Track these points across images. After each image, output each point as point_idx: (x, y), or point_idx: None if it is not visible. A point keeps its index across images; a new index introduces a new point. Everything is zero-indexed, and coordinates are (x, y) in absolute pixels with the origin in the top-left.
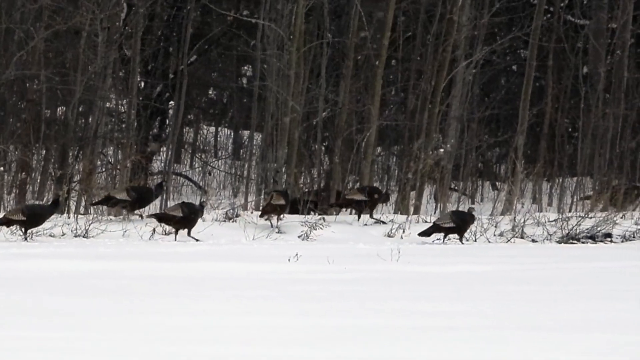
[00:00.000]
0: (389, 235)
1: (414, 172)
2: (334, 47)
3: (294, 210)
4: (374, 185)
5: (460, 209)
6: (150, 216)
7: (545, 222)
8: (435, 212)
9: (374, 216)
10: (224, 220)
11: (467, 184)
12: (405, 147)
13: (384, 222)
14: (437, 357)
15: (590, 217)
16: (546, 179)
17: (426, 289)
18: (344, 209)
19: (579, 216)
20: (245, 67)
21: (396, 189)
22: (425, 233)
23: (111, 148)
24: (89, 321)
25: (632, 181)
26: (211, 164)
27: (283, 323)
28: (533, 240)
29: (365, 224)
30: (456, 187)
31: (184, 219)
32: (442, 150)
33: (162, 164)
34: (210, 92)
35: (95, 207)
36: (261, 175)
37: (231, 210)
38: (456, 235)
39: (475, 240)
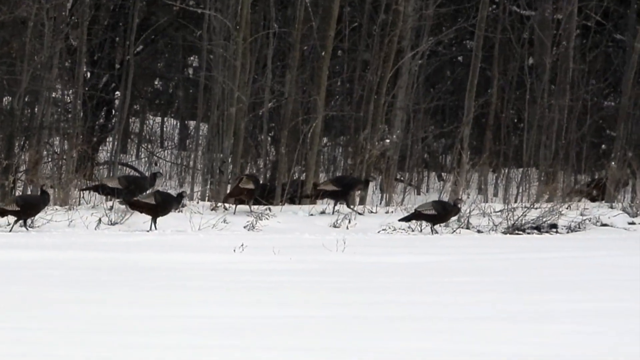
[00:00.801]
0: (334, 226)
1: (359, 162)
2: (280, 38)
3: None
4: (350, 175)
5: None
6: (122, 202)
7: (491, 212)
8: (380, 203)
9: (350, 206)
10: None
11: (413, 175)
12: (351, 137)
13: (360, 213)
14: (384, 346)
15: (536, 208)
16: (492, 169)
17: (372, 280)
18: (319, 200)
19: (525, 207)
20: (192, 58)
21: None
22: (406, 219)
23: (57, 138)
24: (38, 311)
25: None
26: (157, 154)
27: (229, 313)
28: (479, 231)
29: (311, 214)
30: (402, 178)
31: (156, 206)
32: (388, 140)
33: (109, 154)
34: (156, 83)
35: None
36: (207, 166)
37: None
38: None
39: (421, 231)
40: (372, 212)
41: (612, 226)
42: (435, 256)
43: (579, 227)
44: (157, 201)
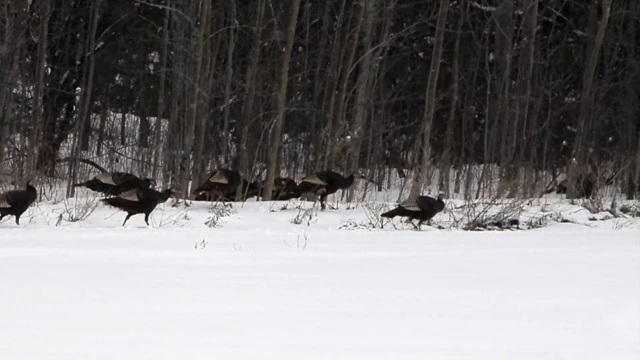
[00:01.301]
0: (295, 222)
1: (320, 159)
2: (241, 34)
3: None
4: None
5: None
6: (103, 200)
7: (452, 209)
8: (341, 199)
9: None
10: None
11: (374, 171)
12: (312, 133)
13: (334, 208)
14: (347, 342)
15: (497, 204)
16: (453, 165)
17: (334, 276)
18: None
19: (486, 203)
20: (153, 54)
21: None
22: (389, 214)
23: (18, 134)
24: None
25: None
26: (118, 151)
27: (190, 309)
28: (440, 227)
29: (272, 211)
30: (363, 174)
31: (139, 203)
32: (349, 137)
33: (69, 151)
34: (117, 79)
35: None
36: (168, 162)
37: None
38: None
39: (382, 227)
40: (333, 208)
41: (573, 222)
42: (396, 252)
43: (540, 223)
44: (140, 198)
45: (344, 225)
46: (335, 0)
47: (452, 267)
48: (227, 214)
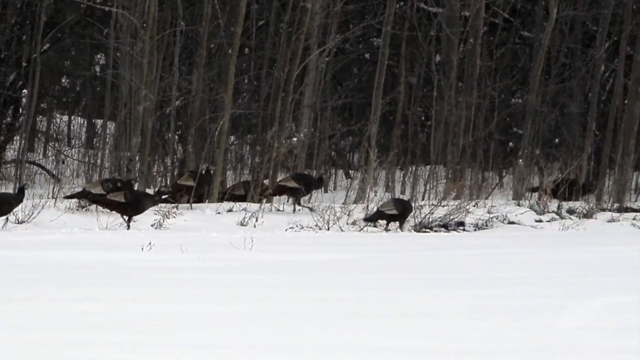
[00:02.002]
0: (242, 224)
1: (267, 160)
2: (187, 36)
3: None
4: (305, 172)
5: (314, 196)
6: (91, 201)
7: (385, 210)
8: (288, 201)
9: (302, 203)
10: (77, 209)
11: (321, 173)
12: (259, 135)
13: (312, 209)
14: (293, 342)
15: (443, 206)
16: (399, 167)
17: (280, 277)
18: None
19: (432, 204)
20: (99, 56)
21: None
22: (371, 219)
23: None
24: None
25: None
26: (64, 153)
27: (136, 310)
28: (386, 229)
29: (219, 213)
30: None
31: (126, 204)
32: (295, 138)
33: (16, 153)
34: (63, 81)
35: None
36: (115, 164)
37: (67, 201)
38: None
39: (329, 229)
40: (279, 210)
41: (519, 224)
42: (343, 254)
43: (486, 225)
44: (127, 199)
45: (290, 227)
46: (282, 2)
47: (397, 268)
48: (174, 216)
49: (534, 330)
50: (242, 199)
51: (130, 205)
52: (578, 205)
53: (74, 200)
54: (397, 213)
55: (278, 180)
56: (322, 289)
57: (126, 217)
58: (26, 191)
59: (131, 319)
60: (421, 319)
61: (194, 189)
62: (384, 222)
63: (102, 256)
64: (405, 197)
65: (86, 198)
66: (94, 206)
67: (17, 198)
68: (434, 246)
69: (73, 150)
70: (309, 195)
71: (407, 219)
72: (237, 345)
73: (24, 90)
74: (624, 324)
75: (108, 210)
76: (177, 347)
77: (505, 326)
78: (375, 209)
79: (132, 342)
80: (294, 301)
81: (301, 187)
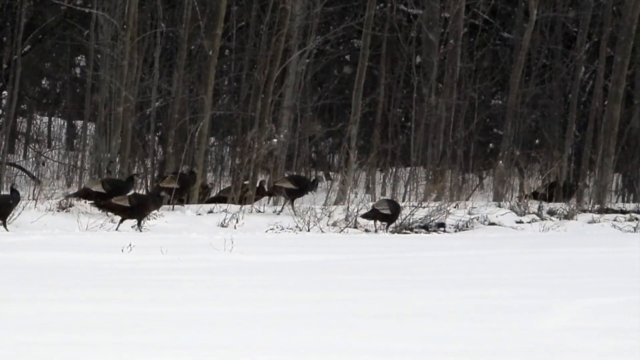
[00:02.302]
0: (222, 225)
1: (247, 162)
2: (168, 37)
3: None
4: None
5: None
6: (94, 205)
7: (380, 209)
8: (268, 202)
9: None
10: (58, 210)
11: (301, 174)
12: (239, 137)
13: (260, 212)
14: (272, 343)
15: (424, 207)
16: (379, 168)
17: (261, 278)
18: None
19: (413, 206)
20: (79, 57)
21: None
22: (367, 216)
23: None
24: None
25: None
26: (45, 154)
27: (117, 311)
28: (366, 230)
29: (199, 214)
30: (321, 178)
31: (130, 209)
32: (275, 140)
33: None
34: (43, 82)
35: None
36: (95, 166)
37: (65, 200)
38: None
39: (309, 230)
40: (259, 211)
41: (500, 225)
42: (323, 255)
43: (467, 226)
44: (132, 204)
45: (271, 229)
46: (262, 4)
47: (378, 269)
48: (154, 218)
49: (518, 331)
50: (174, 192)
51: (135, 209)
52: (559, 206)
53: (54, 201)
54: (389, 213)
55: (275, 180)
56: (313, 290)
57: (132, 221)
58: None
59: (108, 319)
60: (404, 320)
61: (179, 191)
62: (377, 221)
63: (82, 257)
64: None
65: (87, 198)
66: (74, 207)
67: (15, 198)
68: (414, 247)
69: (53, 151)
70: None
71: (394, 221)
72: (235, 345)
73: (4, 92)
74: (608, 325)
75: (94, 212)
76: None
77: (488, 327)
78: (371, 207)
79: (111, 342)
80: (289, 302)
81: (297, 189)
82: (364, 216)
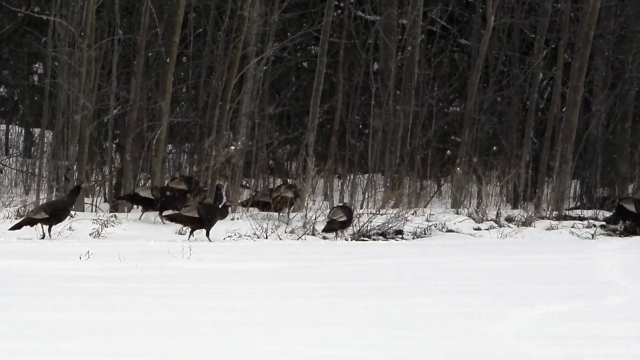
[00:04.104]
0: (180, 233)
1: (205, 169)
2: (125, 44)
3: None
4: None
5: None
6: (164, 216)
7: (337, 219)
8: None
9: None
10: (16, 218)
11: (259, 181)
12: (197, 144)
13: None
14: (223, 351)
15: (382, 214)
16: (337, 175)
17: (216, 286)
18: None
19: (370, 213)
20: (37, 65)
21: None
22: (329, 229)
23: None
24: None
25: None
26: (2, 162)
27: (74, 318)
28: (324, 237)
29: (156, 221)
30: (247, 184)
31: (199, 220)
32: (233, 147)
33: None
34: (1, 90)
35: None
36: (52, 173)
37: (23, 208)
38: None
39: (267, 238)
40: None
41: (458, 232)
42: (281, 262)
43: (425, 233)
44: (201, 214)
45: (229, 236)
46: (220, 10)
47: (334, 277)
48: (112, 225)
49: (471, 338)
50: (267, 206)
51: (204, 220)
52: (517, 213)
53: (12, 208)
54: (346, 219)
55: (277, 191)
56: (267, 298)
57: (196, 231)
58: None
59: (66, 327)
60: (367, 327)
61: (186, 193)
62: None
63: (40, 265)
64: (345, 204)
65: (134, 203)
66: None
67: (71, 202)
68: (372, 254)
69: (11, 159)
70: None
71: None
72: (179, 353)
73: None
74: (562, 333)
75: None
76: (117, 356)
77: (442, 334)
78: (328, 219)
79: (65, 351)
80: (240, 310)
81: (294, 197)
82: (326, 230)
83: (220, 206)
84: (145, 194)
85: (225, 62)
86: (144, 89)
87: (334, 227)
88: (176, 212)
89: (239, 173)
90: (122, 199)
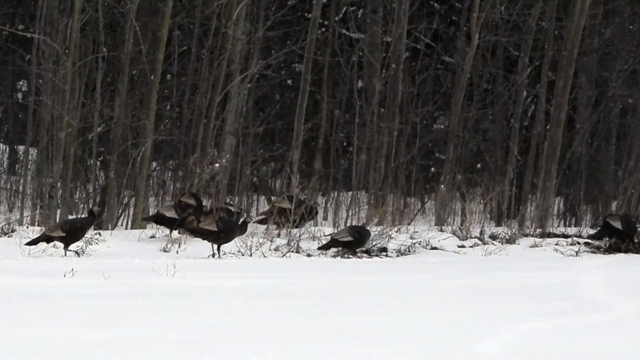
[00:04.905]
0: (164, 250)
1: (189, 186)
2: (110, 62)
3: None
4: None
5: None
6: (184, 229)
7: (321, 236)
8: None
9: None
10: (0, 236)
11: (243, 199)
12: (181, 161)
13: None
14: None
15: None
16: (321, 193)
17: (201, 303)
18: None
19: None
20: (21, 82)
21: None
22: (325, 247)
23: None
24: None
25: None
26: None
27: (52, 336)
28: (308, 255)
29: (141, 239)
30: (232, 202)
31: (218, 233)
32: (217, 164)
33: None
34: None
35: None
36: (37, 191)
37: (7, 225)
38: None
39: (251, 255)
40: None
41: (442, 249)
42: (265, 280)
43: (409, 251)
44: (219, 228)
45: (213, 254)
46: (204, 28)
47: (318, 294)
48: (96, 243)
49: (456, 355)
50: (285, 213)
51: (221, 233)
52: (501, 230)
53: None
54: (351, 240)
55: (273, 201)
56: (241, 315)
57: (215, 246)
58: None
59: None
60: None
61: (195, 208)
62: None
63: (25, 283)
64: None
65: (159, 223)
66: (16, 233)
67: (89, 222)
68: (356, 271)
69: None
70: None
71: (362, 247)
72: None
73: None
74: (547, 350)
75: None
76: None
77: (428, 351)
78: (329, 238)
79: None
80: (210, 326)
81: (304, 213)
82: (322, 247)
83: (240, 222)
84: (170, 213)
85: (210, 79)
86: (128, 106)
87: (330, 245)
88: (196, 225)
89: (223, 190)
90: (147, 220)
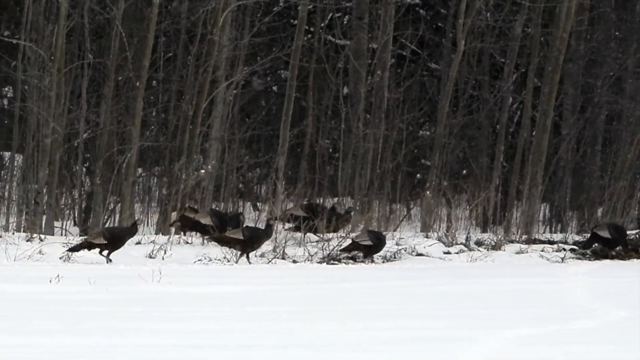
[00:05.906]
0: (150, 257)
1: (175, 193)
2: (95, 68)
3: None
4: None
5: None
6: (210, 239)
7: (307, 242)
8: (196, 234)
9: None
10: None
11: (229, 205)
12: (166, 168)
13: (188, 243)
14: None
15: (351, 238)
16: (307, 199)
17: (187, 309)
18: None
19: (340, 237)
20: (6, 88)
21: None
22: (346, 249)
23: None
24: None
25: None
26: None
27: (40, 342)
28: (294, 261)
29: (126, 245)
30: (217, 208)
31: (244, 242)
32: (203, 171)
33: None
34: None
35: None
36: (22, 197)
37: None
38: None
39: (237, 262)
40: (187, 242)
41: (427, 256)
42: (251, 286)
43: (395, 257)
44: (245, 236)
45: (199, 260)
46: (190, 35)
47: (305, 300)
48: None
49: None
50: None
51: (248, 241)
52: (486, 237)
53: None
54: (371, 244)
55: (287, 209)
56: (226, 322)
57: (240, 253)
58: None
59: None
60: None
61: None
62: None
63: (9, 288)
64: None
65: (195, 229)
66: (2, 238)
67: (131, 232)
68: (341, 278)
69: None
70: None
71: (379, 252)
72: None
73: None
74: (533, 356)
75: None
76: None
77: (414, 357)
78: (350, 240)
79: None
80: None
81: (309, 216)
82: (344, 250)
83: (265, 227)
84: (206, 220)
85: (195, 86)
86: (114, 112)
87: (351, 248)
88: (222, 234)
89: (208, 196)
90: (184, 229)
